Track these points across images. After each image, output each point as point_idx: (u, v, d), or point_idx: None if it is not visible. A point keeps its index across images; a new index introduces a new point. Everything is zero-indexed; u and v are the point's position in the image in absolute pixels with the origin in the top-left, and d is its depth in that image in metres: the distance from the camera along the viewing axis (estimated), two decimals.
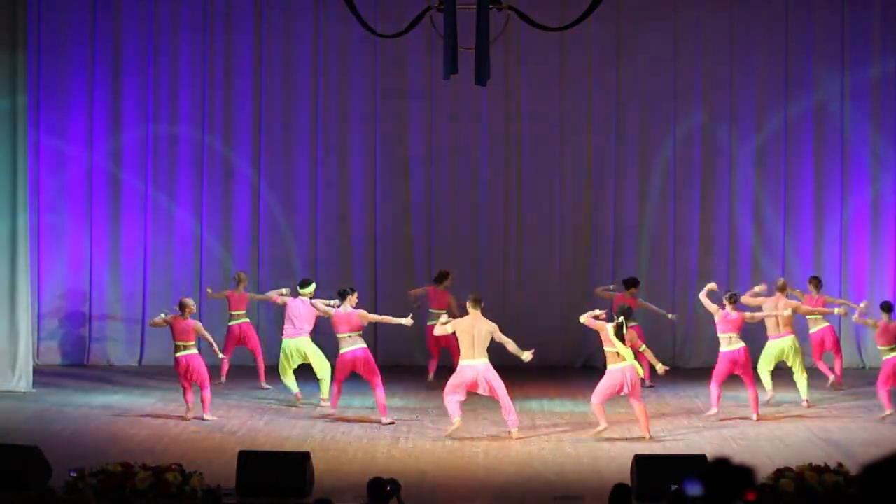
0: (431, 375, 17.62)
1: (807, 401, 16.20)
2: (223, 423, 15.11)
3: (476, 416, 15.44)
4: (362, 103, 19.90)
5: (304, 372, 16.55)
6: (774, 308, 16.35)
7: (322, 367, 16.25)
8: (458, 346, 14.71)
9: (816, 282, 17.82)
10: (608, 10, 18.41)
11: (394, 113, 19.93)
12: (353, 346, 15.32)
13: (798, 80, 19.74)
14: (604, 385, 14.27)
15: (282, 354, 16.43)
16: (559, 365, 19.22)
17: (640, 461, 11.99)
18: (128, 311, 19.75)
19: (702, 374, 17.75)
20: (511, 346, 14.34)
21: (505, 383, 14.45)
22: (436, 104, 19.84)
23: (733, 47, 19.75)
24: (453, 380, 14.48)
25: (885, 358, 15.47)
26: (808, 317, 17.47)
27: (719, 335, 15.54)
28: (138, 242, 19.77)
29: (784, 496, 11.55)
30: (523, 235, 20.01)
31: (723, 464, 5.02)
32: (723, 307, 15.56)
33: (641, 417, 14.28)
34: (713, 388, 15.59)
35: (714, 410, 15.51)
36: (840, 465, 11.93)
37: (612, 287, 18.12)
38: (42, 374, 18.06)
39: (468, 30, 14.52)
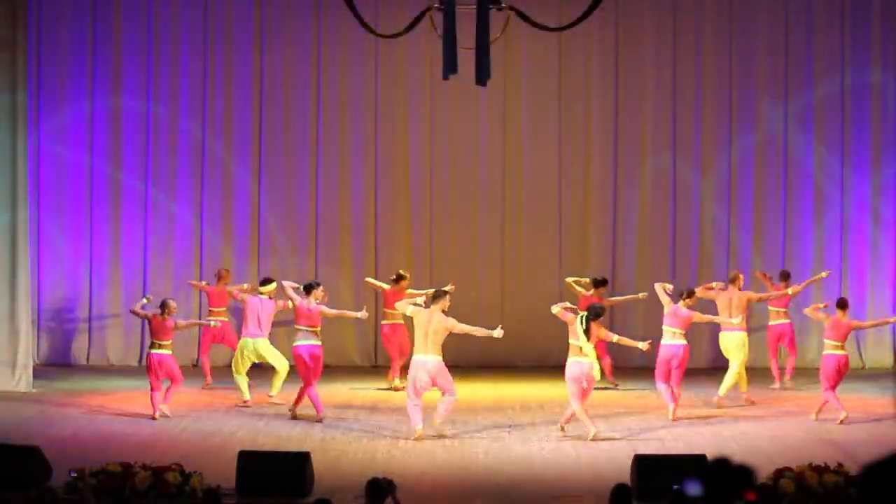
0: (397, 379, 17.31)
1: (720, 398, 16.13)
2: (223, 423, 15.11)
3: (475, 417, 15.45)
4: (362, 103, 19.91)
5: (265, 372, 16.64)
6: (728, 302, 16.38)
7: (281, 363, 16.12)
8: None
9: (785, 275, 17.75)
10: (608, 11, 18.43)
11: (394, 113, 19.94)
12: (306, 340, 15.19)
13: (798, 80, 19.75)
14: (570, 385, 14.24)
15: (237, 352, 16.25)
16: (559, 365, 19.16)
17: (640, 461, 11.97)
18: (127, 311, 19.73)
19: (697, 374, 17.82)
20: (479, 331, 14.15)
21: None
22: (436, 104, 19.85)
23: (733, 46, 19.76)
24: (408, 384, 14.35)
25: (826, 353, 15.24)
26: (770, 308, 17.50)
27: (664, 327, 15.48)
28: (138, 242, 19.78)
29: (784, 496, 11.53)
30: (523, 235, 20.01)
31: (723, 464, 5.02)
32: (678, 300, 15.48)
33: (580, 414, 14.20)
34: (661, 386, 15.39)
35: (672, 406, 15.23)
36: (840, 465, 11.91)
37: (583, 281, 17.98)
38: (42, 374, 18.08)
39: (468, 30, 14.52)
